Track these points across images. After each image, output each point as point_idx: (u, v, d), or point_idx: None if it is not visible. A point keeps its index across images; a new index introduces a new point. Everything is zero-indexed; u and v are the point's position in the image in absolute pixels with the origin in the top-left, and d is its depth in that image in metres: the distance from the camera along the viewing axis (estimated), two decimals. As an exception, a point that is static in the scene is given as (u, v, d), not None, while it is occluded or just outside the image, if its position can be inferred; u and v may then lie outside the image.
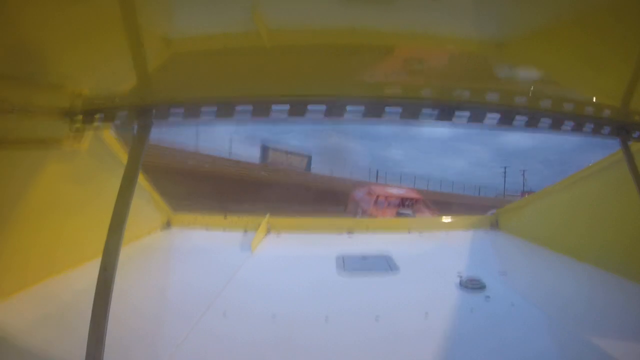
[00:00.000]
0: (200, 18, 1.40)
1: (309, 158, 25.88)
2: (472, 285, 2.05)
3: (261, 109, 1.37)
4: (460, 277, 2.15)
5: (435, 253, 3.01)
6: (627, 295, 1.99)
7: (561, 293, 2.03)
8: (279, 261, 2.73)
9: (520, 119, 1.68)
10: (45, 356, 1.35)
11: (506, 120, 1.66)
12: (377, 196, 10.54)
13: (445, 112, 1.46)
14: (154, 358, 1.41)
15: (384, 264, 2.54)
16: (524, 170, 33.54)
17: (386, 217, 9.12)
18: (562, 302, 1.89)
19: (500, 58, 1.64)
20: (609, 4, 1.26)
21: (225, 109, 1.39)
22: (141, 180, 2.81)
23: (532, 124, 1.70)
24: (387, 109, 1.40)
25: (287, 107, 1.37)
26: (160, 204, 3.36)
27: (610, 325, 1.66)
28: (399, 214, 9.25)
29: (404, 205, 9.82)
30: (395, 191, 10.71)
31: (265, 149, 24.07)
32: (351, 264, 2.53)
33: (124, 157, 2.39)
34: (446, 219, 3.93)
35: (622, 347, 1.48)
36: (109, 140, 2.34)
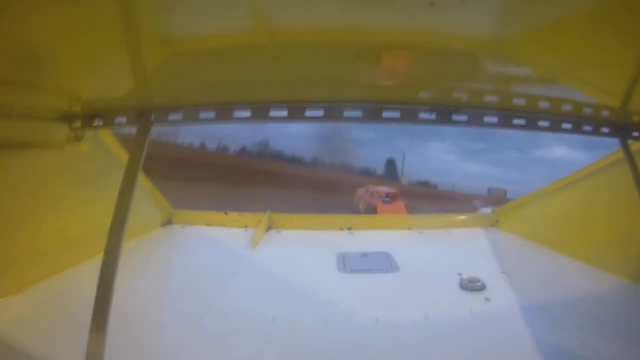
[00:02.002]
0: (199, 18, 1.40)
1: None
2: (472, 285, 2.06)
3: (259, 114, 1.37)
4: (461, 276, 2.16)
5: (435, 252, 3.01)
6: (628, 296, 2.00)
7: (561, 293, 2.04)
8: (279, 259, 2.74)
9: (519, 119, 1.69)
10: (46, 356, 1.37)
11: (505, 120, 1.66)
12: (372, 192, 15.81)
13: (444, 114, 1.46)
14: (155, 358, 1.43)
15: (384, 263, 2.55)
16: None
17: (376, 204, 14.30)
18: (562, 302, 1.90)
19: (500, 58, 1.63)
20: (608, 4, 1.25)
21: (224, 113, 1.39)
22: (142, 178, 2.82)
23: (531, 124, 1.70)
24: (385, 113, 1.40)
25: (285, 112, 1.37)
26: (161, 201, 3.37)
27: (610, 325, 1.67)
28: (384, 201, 14.54)
29: (387, 196, 15.21)
30: (383, 188, 16.22)
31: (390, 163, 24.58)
32: (351, 262, 2.55)
33: (124, 156, 2.40)
34: (447, 217, 3.93)
35: (622, 347, 1.49)
36: (110, 141, 2.35)
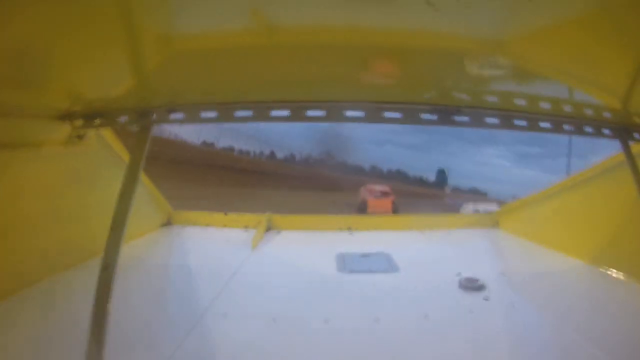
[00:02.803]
0: (200, 17, 1.39)
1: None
2: (471, 285, 2.06)
3: (261, 114, 1.37)
4: (460, 277, 2.16)
5: (435, 252, 3.01)
6: (628, 295, 2.00)
7: (561, 293, 2.04)
8: (279, 260, 2.74)
9: (520, 120, 1.68)
10: (46, 356, 1.37)
11: (507, 121, 1.66)
12: (369, 189, 18.03)
13: (446, 115, 1.46)
14: (154, 358, 1.43)
15: (384, 264, 2.55)
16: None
17: (368, 198, 16.36)
18: (562, 302, 1.90)
19: (501, 58, 1.63)
20: (609, 4, 1.25)
21: (225, 113, 1.39)
22: (142, 178, 2.82)
23: (533, 125, 1.70)
24: (386, 113, 1.40)
25: (286, 112, 1.37)
26: (161, 201, 3.37)
27: (610, 325, 1.67)
28: (375, 197, 16.57)
29: (379, 193, 17.32)
30: (378, 187, 18.25)
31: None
32: (351, 263, 2.54)
33: (125, 155, 2.40)
34: (447, 217, 3.93)
35: (622, 347, 1.48)
36: (111, 139, 2.34)
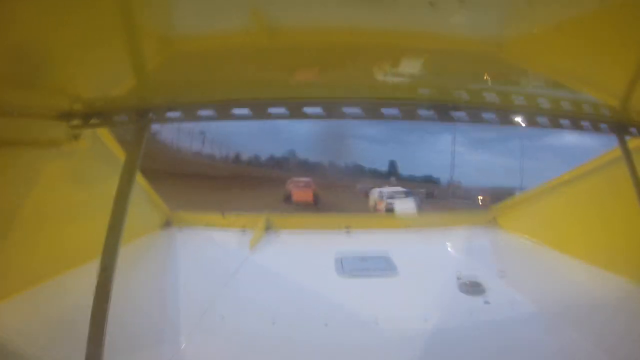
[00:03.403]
0: (198, 17, 1.39)
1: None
2: (470, 286, 2.05)
3: (259, 112, 1.37)
4: (459, 278, 2.15)
5: (434, 252, 3.01)
6: (628, 295, 2.00)
7: (560, 293, 2.04)
8: (277, 261, 2.73)
9: (518, 117, 1.69)
10: (46, 357, 1.36)
11: (505, 118, 1.66)
12: (296, 183, 18.71)
13: (445, 112, 1.46)
14: (154, 358, 1.42)
15: (383, 265, 2.54)
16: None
17: (297, 191, 17.52)
18: (561, 302, 1.90)
19: (500, 57, 1.64)
20: (608, 4, 1.26)
21: (223, 112, 1.38)
22: (139, 180, 2.80)
23: (530, 120, 1.71)
24: (384, 110, 1.40)
25: (284, 109, 1.37)
26: (159, 203, 3.35)
27: (610, 325, 1.67)
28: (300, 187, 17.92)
29: (305, 184, 18.52)
30: (303, 179, 19.13)
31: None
32: (350, 266, 2.53)
33: (122, 156, 2.38)
34: (444, 215, 3.94)
35: (622, 347, 1.48)
36: (108, 140, 2.33)
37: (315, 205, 16.14)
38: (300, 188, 18.70)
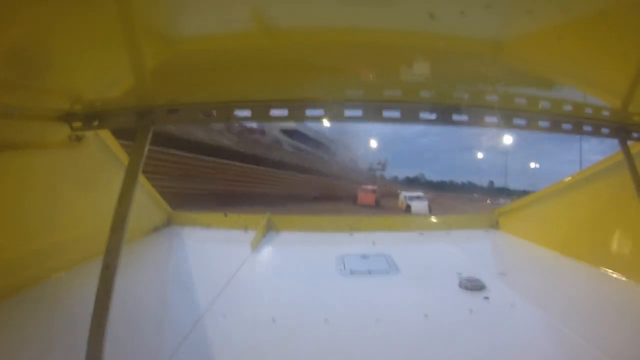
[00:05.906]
0: (199, 17, 1.39)
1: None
2: (471, 286, 2.05)
3: (260, 113, 1.37)
4: (460, 278, 2.15)
5: (435, 253, 3.01)
6: (628, 296, 1.99)
7: (561, 294, 2.03)
8: (278, 261, 2.74)
9: (519, 120, 1.69)
10: (45, 356, 1.36)
11: (506, 120, 1.66)
12: (363, 188, 23.86)
13: (445, 114, 1.46)
14: (154, 359, 1.42)
15: (384, 265, 2.54)
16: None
17: (365, 196, 22.45)
18: (562, 303, 1.89)
19: (501, 59, 1.64)
20: (608, 5, 1.25)
21: (224, 113, 1.39)
22: (141, 179, 2.81)
23: (532, 124, 1.70)
24: (385, 112, 1.41)
25: (285, 111, 1.38)
26: (160, 202, 3.37)
27: (610, 326, 1.66)
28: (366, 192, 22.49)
29: (368, 190, 23.52)
30: (368, 187, 24.62)
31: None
32: (351, 265, 2.54)
33: (124, 156, 2.39)
34: (446, 218, 3.93)
35: (622, 347, 1.48)
36: (110, 140, 2.34)
37: (376, 207, 20.46)
38: (366, 193, 23.18)
